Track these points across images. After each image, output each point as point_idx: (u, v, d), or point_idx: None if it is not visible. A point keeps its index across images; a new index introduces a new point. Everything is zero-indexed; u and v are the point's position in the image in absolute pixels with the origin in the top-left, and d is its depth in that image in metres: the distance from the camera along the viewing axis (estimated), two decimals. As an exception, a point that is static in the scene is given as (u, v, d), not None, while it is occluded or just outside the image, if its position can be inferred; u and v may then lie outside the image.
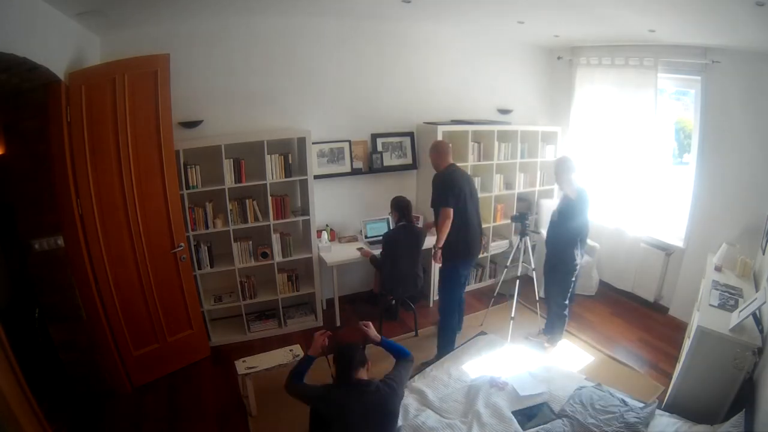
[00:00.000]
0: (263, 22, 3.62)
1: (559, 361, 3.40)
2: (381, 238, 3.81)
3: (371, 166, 4.29)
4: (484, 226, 4.65)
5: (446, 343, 3.50)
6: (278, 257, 3.81)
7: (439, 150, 3.39)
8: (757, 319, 2.44)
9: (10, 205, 2.74)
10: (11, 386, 2.05)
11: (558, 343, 3.69)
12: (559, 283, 3.54)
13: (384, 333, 3.90)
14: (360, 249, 4.02)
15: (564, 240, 3.41)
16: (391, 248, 3.66)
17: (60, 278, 2.81)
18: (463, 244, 3.33)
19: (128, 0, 2.68)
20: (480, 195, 4.55)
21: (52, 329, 2.89)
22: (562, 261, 3.48)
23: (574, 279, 3.55)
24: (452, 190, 3.25)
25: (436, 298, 4.55)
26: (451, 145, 3.57)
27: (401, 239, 3.66)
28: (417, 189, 4.62)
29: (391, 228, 3.93)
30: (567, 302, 3.60)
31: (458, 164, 4.36)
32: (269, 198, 3.64)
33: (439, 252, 3.28)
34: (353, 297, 4.49)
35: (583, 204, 3.39)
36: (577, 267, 3.49)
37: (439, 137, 4.13)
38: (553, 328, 3.70)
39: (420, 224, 4.01)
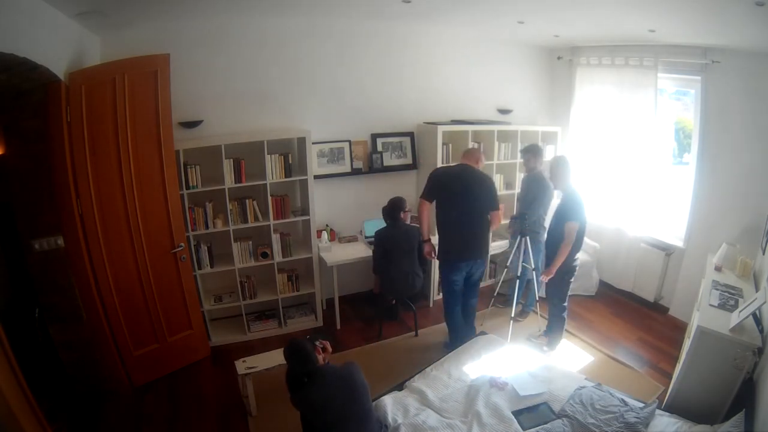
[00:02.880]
0: (263, 22, 3.62)
1: (559, 361, 3.40)
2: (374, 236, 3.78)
3: (371, 166, 4.30)
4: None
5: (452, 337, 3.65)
6: (278, 257, 3.81)
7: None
8: (757, 319, 2.43)
9: (10, 205, 2.74)
10: (11, 386, 2.05)
11: (557, 346, 3.67)
12: (557, 284, 3.51)
13: (384, 333, 3.94)
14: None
15: (560, 240, 3.35)
16: (382, 246, 3.65)
17: (60, 278, 2.81)
18: (446, 243, 3.36)
19: (128, 0, 2.67)
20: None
21: (52, 329, 2.89)
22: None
23: (572, 280, 3.53)
24: (430, 183, 3.33)
25: (437, 297, 4.57)
26: (477, 146, 3.93)
27: (395, 239, 3.64)
28: (417, 189, 4.61)
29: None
30: (565, 304, 3.58)
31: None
32: (269, 198, 3.64)
33: (426, 246, 3.42)
34: (353, 297, 4.48)
35: (575, 204, 3.33)
36: (576, 267, 3.48)
37: (439, 137, 4.15)
38: (552, 331, 3.68)
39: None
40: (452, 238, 3.32)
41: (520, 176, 4.71)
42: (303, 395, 2.12)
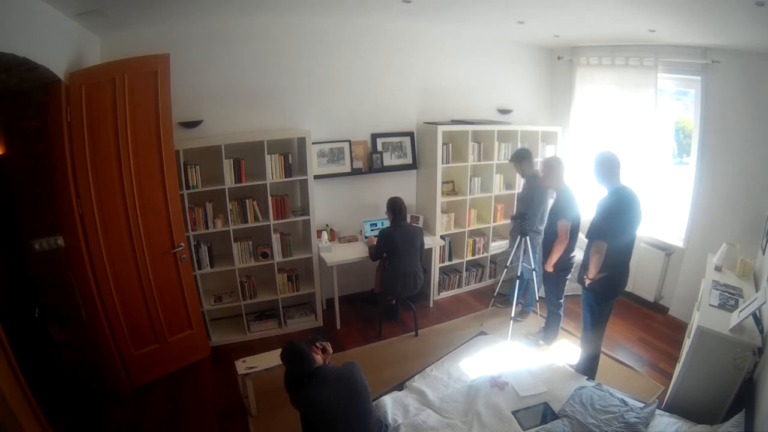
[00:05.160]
0: (263, 21, 3.62)
1: (559, 361, 3.40)
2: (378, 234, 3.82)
3: (371, 166, 4.29)
4: (483, 226, 4.71)
5: None
6: (278, 257, 3.81)
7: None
8: (757, 319, 2.44)
9: (10, 205, 2.74)
10: (11, 386, 2.05)
11: (553, 342, 3.70)
12: (553, 281, 3.57)
13: (384, 333, 3.94)
14: (368, 238, 4.09)
15: (554, 238, 3.40)
16: (386, 244, 3.67)
17: (60, 278, 2.81)
18: (620, 276, 3.03)
19: (128, 0, 2.68)
20: (480, 195, 4.59)
21: (52, 329, 2.89)
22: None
23: (568, 277, 3.57)
24: (621, 209, 2.80)
25: (437, 297, 4.57)
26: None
27: (398, 238, 3.66)
28: (417, 189, 4.62)
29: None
30: (561, 301, 3.62)
31: (458, 164, 4.41)
32: (269, 198, 3.64)
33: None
34: (353, 297, 4.48)
35: (569, 201, 3.38)
36: (573, 265, 3.50)
37: (439, 137, 4.15)
38: (547, 327, 3.73)
39: (420, 224, 4.00)
40: (624, 271, 3.07)
41: (519, 177, 4.73)
42: (302, 395, 2.12)
